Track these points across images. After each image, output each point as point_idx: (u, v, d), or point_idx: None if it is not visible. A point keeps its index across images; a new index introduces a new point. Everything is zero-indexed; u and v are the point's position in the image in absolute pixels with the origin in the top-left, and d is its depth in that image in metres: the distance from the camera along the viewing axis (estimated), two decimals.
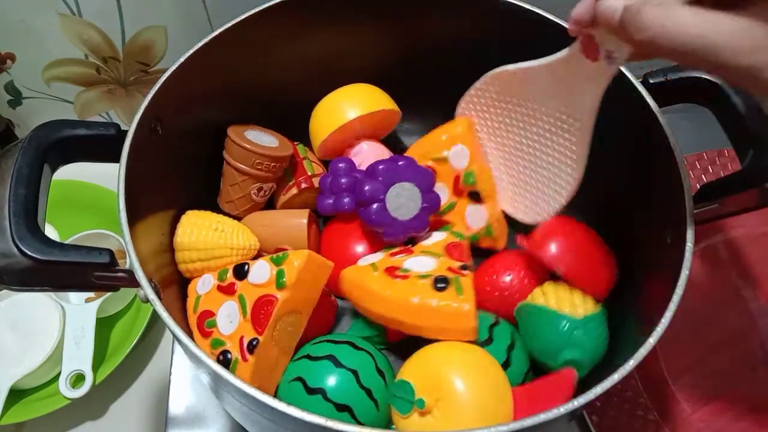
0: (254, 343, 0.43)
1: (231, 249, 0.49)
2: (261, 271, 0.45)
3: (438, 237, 0.53)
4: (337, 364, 0.45)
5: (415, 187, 0.52)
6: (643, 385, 0.54)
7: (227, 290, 0.46)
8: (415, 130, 0.62)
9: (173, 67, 0.45)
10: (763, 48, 0.26)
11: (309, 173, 0.57)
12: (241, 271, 0.46)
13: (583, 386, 0.43)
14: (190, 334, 0.46)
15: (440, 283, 0.45)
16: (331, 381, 0.44)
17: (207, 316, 0.46)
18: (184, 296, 0.48)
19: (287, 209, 0.57)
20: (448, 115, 0.57)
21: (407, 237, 0.52)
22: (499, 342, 0.47)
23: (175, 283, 0.48)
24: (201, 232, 0.49)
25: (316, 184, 0.57)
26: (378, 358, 0.48)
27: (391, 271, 0.48)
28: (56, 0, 0.62)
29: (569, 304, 0.46)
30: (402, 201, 0.51)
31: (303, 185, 0.56)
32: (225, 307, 0.46)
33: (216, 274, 0.47)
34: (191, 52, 0.47)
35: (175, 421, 0.54)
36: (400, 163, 0.51)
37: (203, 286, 0.47)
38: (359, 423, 0.43)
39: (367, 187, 0.50)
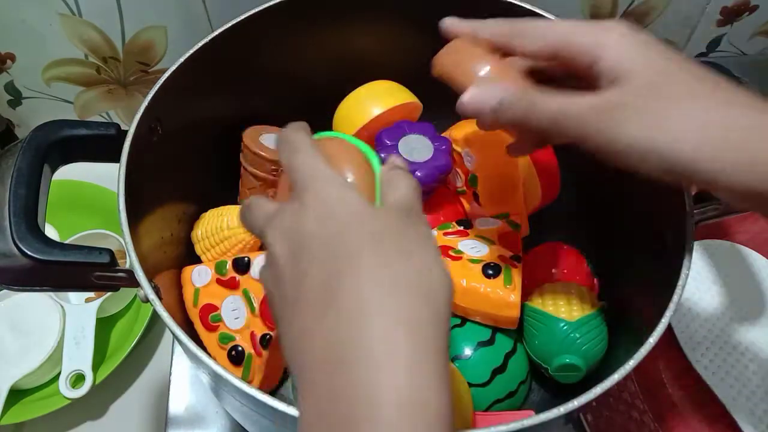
0: (267, 338, 0.45)
1: (230, 230, 0.50)
2: None
3: (493, 224, 0.53)
4: None
5: (422, 135, 0.54)
6: (640, 387, 0.54)
7: (229, 284, 0.46)
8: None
9: (173, 67, 0.46)
10: None
11: None
12: (241, 265, 0.46)
13: (582, 386, 0.43)
14: (189, 327, 0.47)
15: (490, 269, 0.46)
16: None
17: (210, 310, 0.46)
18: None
19: None
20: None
21: (439, 180, 0.53)
22: (500, 345, 0.47)
23: (175, 283, 0.48)
24: (209, 222, 0.51)
25: None
26: None
27: (445, 250, 0.49)
28: (56, 0, 0.62)
29: (565, 306, 0.46)
30: (413, 146, 0.53)
31: None
32: (229, 302, 0.46)
33: (213, 266, 0.47)
34: (191, 52, 0.47)
35: (175, 421, 0.54)
36: (400, 124, 0.54)
37: (200, 277, 0.48)
38: None
39: (383, 155, 0.51)
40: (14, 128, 0.78)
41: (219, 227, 0.51)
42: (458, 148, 0.54)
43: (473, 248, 0.49)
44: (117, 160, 0.41)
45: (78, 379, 0.58)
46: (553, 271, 0.51)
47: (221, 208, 0.53)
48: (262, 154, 0.52)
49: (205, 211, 0.53)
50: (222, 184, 0.57)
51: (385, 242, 0.26)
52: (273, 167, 0.53)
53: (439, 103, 0.59)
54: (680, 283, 0.37)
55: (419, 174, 0.51)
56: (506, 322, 0.46)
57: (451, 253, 0.49)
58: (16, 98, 0.74)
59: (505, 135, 0.54)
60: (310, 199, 0.27)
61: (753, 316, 0.56)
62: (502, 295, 0.45)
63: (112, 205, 0.40)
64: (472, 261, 0.48)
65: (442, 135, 0.56)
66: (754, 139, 0.28)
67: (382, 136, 0.53)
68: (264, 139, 0.54)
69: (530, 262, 0.52)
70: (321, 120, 0.58)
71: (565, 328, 0.45)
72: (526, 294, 0.50)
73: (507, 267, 0.47)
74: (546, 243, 0.54)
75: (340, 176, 0.29)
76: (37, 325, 0.61)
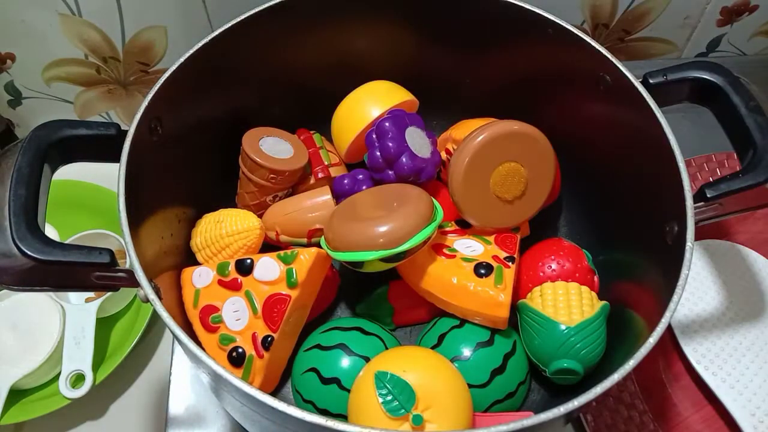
0: (269, 339, 0.45)
1: (231, 236, 0.50)
2: (269, 269, 0.46)
3: None
4: (349, 352, 0.47)
5: (418, 129, 0.54)
6: (640, 387, 0.54)
7: (231, 285, 0.46)
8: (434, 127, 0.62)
9: (173, 67, 0.46)
10: None
11: (326, 162, 0.57)
12: (243, 267, 0.46)
13: (582, 386, 0.43)
14: (189, 327, 0.47)
15: (482, 269, 0.47)
16: (345, 370, 0.46)
17: (211, 311, 0.46)
18: None
19: (305, 192, 0.56)
20: (462, 111, 0.58)
21: (435, 172, 0.54)
22: (499, 346, 0.47)
23: (175, 284, 0.48)
24: (207, 230, 0.51)
25: (333, 174, 0.57)
26: (388, 341, 0.48)
27: (439, 248, 0.49)
28: (56, 0, 0.62)
29: (565, 310, 0.46)
30: (417, 141, 0.53)
31: (320, 175, 0.56)
32: (230, 303, 0.46)
33: (215, 267, 0.47)
34: (191, 52, 0.47)
35: (175, 421, 0.54)
36: (399, 113, 0.53)
37: (200, 278, 0.47)
38: None
39: (390, 144, 0.51)
40: (14, 128, 0.78)
41: (219, 235, 0.50)
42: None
43: (468, 247, 0.49)
44: (117, 160, 0.41)
45: (78, 379, 0.58)
46: (554, 266, 0.51)
47: (217, 213, 0.52)
48: (260, 161, 0.52)
49: (206, 211, 0.53)
50: (222, 184, 0.57)
51: None
52: (272, 175, 0.53)
53: (437, 103, 0.60)
54: (680, 283, 0.37)
55: (428, 170, 0.52)
56: (495, 321, 0.46)
57: (445, 251, 0.49)
58: (16, 98, 0.74)
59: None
60: None
61: (753, 316, 0.56)
62: (492, 295, 0.45)
63: (112, 205, 0.40)
64: (465, 260, 0.48)
65: (443, 134, 0.56)
66: None
67: (385, 125, 0.52)
68: (264, 143, 0.54)
69: (531, 258, 0.52)
70: (320, 120, 0.59)
71: (564, 332, 0.45)
72: (526, 292, 0.50)
73: (499, 267, 0.47)
74: (546, 239, 0.54)
75: None
76: (37, 325, 0.61)
